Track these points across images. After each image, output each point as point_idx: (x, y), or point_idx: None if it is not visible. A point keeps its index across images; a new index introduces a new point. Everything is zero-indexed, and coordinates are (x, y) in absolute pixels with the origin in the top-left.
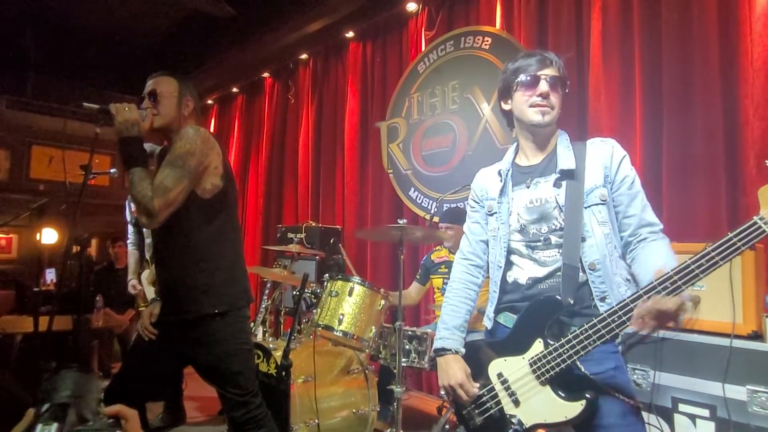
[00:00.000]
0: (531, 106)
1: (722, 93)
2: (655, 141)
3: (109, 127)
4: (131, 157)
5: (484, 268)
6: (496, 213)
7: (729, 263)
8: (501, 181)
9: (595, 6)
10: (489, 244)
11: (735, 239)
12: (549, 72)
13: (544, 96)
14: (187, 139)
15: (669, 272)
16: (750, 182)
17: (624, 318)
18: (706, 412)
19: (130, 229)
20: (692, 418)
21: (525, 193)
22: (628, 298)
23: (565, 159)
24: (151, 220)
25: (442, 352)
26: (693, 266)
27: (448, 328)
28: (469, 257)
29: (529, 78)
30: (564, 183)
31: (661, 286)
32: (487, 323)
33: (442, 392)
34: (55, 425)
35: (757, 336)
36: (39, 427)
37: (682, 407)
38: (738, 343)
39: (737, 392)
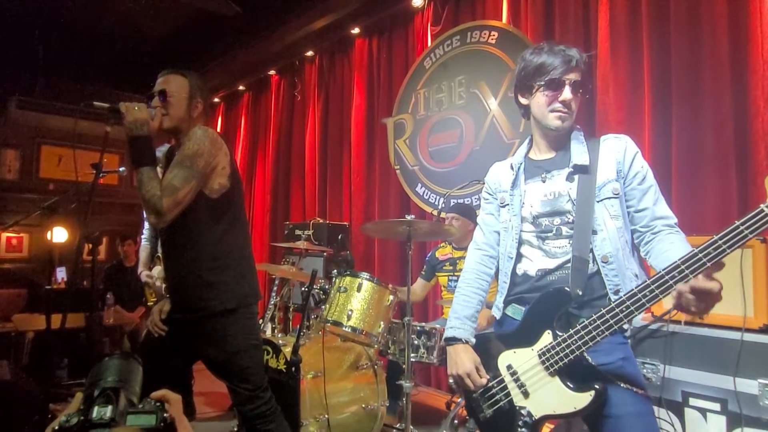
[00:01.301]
0: (552, 111)
1: (732, 85)
2: (664, 134)
3: (119, 126)
4: (140, 156)
5: (497, 259)
6: (508, 205)
7: (740, 256)
8: (513, 173)
9: None
10: (501, 235)
11: (742, 227)
12: (573, 76)
13: (567, 104)
14: (196, 140)
15: (677, 261)
16: (760, 174)
17: (632, 308)
18: (717, 406)
19: (146, 224)
20: (703, 412)
21: (540, 187)
22: (636, 288)
23: (579, 154)
24: (160, 218)
25: (452, 341)
26: (700, 255)
27: (459, 318)
28: (483, 247)
29: (553, 82)
30: (576, 177)
31: (669, 275)
32: (496, 313)
33: (451, 380)
34: (110, 407)
35: None
36: (95, 410)
37: (692, 401)
38: (749, 337)
39: (749, 386)
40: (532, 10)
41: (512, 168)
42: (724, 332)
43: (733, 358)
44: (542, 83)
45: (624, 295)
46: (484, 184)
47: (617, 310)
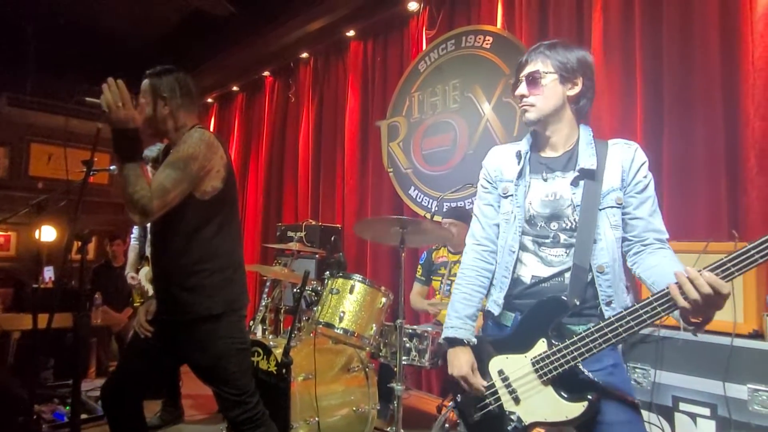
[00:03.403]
0: (520, 108)
1: (723, 93)
2: (656, 141)
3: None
4: (127, 151)
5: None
6: (511, 195)
7: None
8: (520, 163)
9: (597, 6)
10: (501, 228)
11: (753, 251)
12: (526, 71)
13: (520, 98)
14: (192, 142)
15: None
16: (750, 182)
17: (632, 323)
18: (706, 411)
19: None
20: (693, 416)
21: (541, 185)
22: (638, 304)
23: (586, 157)
24: (145, 219)
25: (452, 342)
26: (719, 270)
27: (461, 317)
28: (483, 242)
29: (513, 85)
30: (582, 182)
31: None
32: (495, 309)
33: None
34: None
35: (757, 335)
36: None
37: (682, 406)
38: (739, 342)
39: (738, 391)
40: (527, 16)
41: (519, 156)
42: (714, 337)
43: (723, 363)
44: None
45: (625, 311)
46: (477, 188)
47: (617, 324)
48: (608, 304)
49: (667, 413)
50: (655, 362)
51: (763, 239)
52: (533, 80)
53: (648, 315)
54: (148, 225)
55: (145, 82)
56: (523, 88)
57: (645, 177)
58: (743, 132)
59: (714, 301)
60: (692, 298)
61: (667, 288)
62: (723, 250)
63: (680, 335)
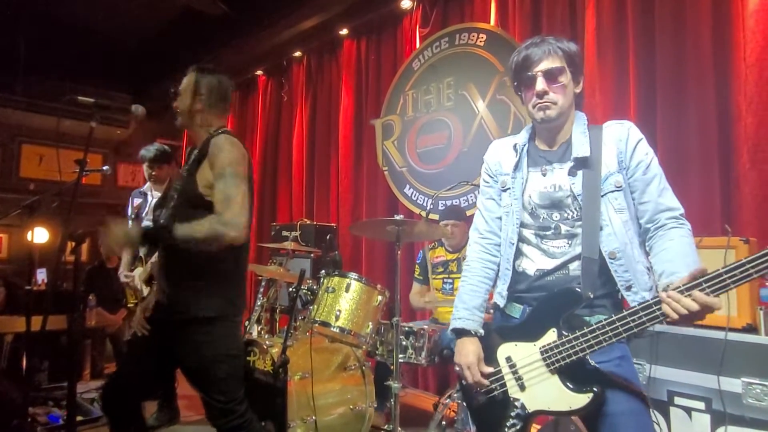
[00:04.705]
0: (533, 106)
1: (715, 88)
2: (649, 136)
3: (102, 125)
4: (161, 237)
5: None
6: (509, 188)
7: (723, 257)
8: (516, 156)
9: (590, 2)
10: (502, 221)
11: (748, 265)
12: (544, 66)
13: (540, 95)
14: (228, 150)
15: (700, 280)
16: (742, 177)
17: (645, 319)
18: (701, 405)
19: (129, 224)
20: (688, 411)
21: (539, 178)
22: (652, 300)
23: (580, 146)
24: (238, 232)
25: (460, 333)
26: (705, 285)
27: (468, 308)
28: (487, 236)
29: (525, 79)
30: (580, 172)
31: (687, 291)
32: (500, 301)
33: (457, 368)
34: None
35: (751, 328)
36: None
37: (677, 400)
38: (733, 336)
39: (732, 385)
40: (520, 12)
41: (515, 150)
42: (709, 332)
43: (717, 357)
44: (516, 82)
45: (638, 306)
46: (472, 185)
47: (629, 319)
48: (628, 288)
49: (663, 407)
50: (651, 357)
51: (761, 254)
52: (553, 77)
53: (661, 312)
54: (143, 224)
55: (191, 74)
56: (542, 84)
57: (646, 155)
58: (736, 127)
59: (707, 311)
60: (681, 314)
61: (683, 287)
62: (717, 245)
63: (675, 330)
